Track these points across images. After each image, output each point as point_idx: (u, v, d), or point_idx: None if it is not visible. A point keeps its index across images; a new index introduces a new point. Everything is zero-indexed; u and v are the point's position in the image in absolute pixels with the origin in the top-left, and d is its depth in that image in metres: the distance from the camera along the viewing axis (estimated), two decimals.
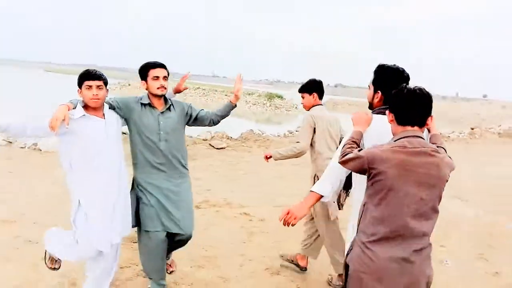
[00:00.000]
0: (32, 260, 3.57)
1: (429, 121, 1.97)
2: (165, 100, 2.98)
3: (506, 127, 16.57)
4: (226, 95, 45.67)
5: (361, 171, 1.96)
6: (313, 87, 3.57)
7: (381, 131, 2.15)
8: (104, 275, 2.88)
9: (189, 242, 3.15)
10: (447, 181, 1.91)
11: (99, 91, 2.60)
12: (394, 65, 2.29)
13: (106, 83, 2.67)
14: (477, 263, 4.32)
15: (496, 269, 4.15)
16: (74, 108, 2.57)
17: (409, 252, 1.84)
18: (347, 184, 2.44)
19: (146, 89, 2.93)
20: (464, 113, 43.57)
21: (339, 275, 3.49)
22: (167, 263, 3.39)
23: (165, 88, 2.91)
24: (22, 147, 8.22)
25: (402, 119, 1.95)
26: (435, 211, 1.90)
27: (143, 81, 2.92)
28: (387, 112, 2.04)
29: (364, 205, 1.97)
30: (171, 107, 3.00)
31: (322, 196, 2.21)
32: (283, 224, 2.18)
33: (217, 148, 9.45)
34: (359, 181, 2.23)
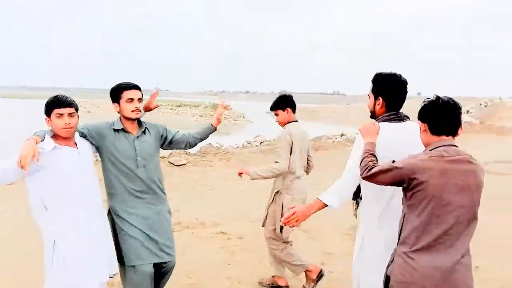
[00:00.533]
0: None
1: (460, 130, 1.98)
2: (139, 123, 2.80)
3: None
4: (171, 109, 44.96)
5: (397, 182, 1.92)
6: (286, 103, 3.50)
7: (388, 139, 2.17)
8: None
9: None
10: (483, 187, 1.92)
11: (71, 119, 2.39)
12: (391, 72, 2.32)
13: (77, 110, 2.46)
14: None
15: (475, 263, 4.26)
16: (42, 140, 2.33)
17: (452, 261, 1.84)
18: (356, 194, 2.39)
19: (119, 112, 2.74)
20: (410, 110, 45.88)
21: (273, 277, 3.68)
22: None
23: (140, 111, 2.74)
24: None
25: (437, 129, 1.95)
26: (475, 218, 1.89)
27: (116, 104, 2.73)
28: (419, 122, 2.03)
29: (404, 216, 1.96)
30: (146, 130, 2.82)
31: (326, 205, 2.25)
32: (284, 223, 2.26)
33: (177, 165, 9.11)
34: (371, 194, 2.26)
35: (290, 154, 3.41)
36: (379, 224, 2.24)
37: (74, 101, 2.44)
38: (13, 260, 4.13)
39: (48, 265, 2.40)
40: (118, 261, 2.71)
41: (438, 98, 1.97)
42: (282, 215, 3.38)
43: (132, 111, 2.68)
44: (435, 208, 1.84)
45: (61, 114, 2.36)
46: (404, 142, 2.19)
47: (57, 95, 2.43)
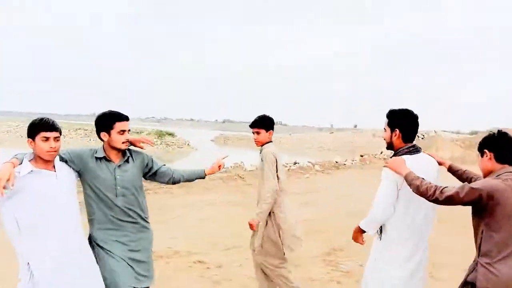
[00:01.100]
0: None
1: None
2: (123, 152, 2.76)
3: (388, 153, 18.64)
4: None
5: (474, 202, 2.24)
6: (271, 124, 3.63)
7: (412, 168, 2.51)
8: None
9: None
10: None
11: (56, 143, 2.41)
12: (403, 108, 2.77)
13: (61, 134, 2.47)
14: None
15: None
16: (21, 163, 2.33)
17: None
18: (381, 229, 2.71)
19: (106, 142, 2.70)
20: (342, 142, 48.00)
21: None
22: None
23: (129, 143, 2.76)
24: None
25: (503, 158, 2.38)
26: None
27: (104, 133, 2.69)
28: (485, 151, 2.41)
29: (482, 232, 2.29)
30: (130, 158, 2.78)
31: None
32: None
33: None
34: (395, 219, 2.61)
35: (276, 172, 3.47)
36: (404, 241, 2.61)
37: (58, 125, 2.44)
38: None
39: (23, 285, 2.35)
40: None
41: (505, 132, 2.29)
42: (280, 236, 3.47)
43: (123, 142, 2.68)
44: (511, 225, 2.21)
45: (47, 138, 2.36)
46: (421, 171, 2.50)
47: (43, 118, 2.41)
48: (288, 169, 14.40)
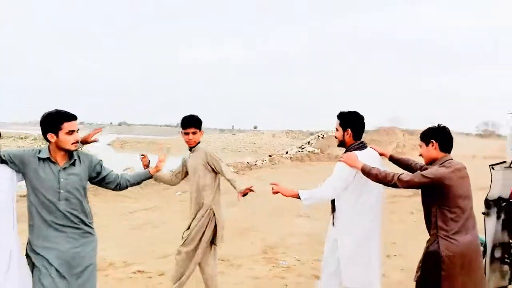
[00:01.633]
0: None
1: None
2: (70, 153, 2.63)
3: (293, 152, 19.73)
4: None
5: (425, 186, 2.73)
6: (200, 123, 3.64)
7: (364, 161, 2.96)
8: None
9: None
10: None
11: None
12: (351, 110, 3.19)
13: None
14: None
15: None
16: None
17: (473, 236, 2.75)
18: (333, 208, 3.20)
19: (53, 143, 2.57)
20: (245, 143, 49.26)
21: None
22: None
23: (78, 143, 2.65)
24: None
25: (445, 147, 2.83)
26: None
27: (52, 134, 2.54)
28: (431, 141, 2.83)
29: (436, 210, 2.74)
30: (76, 161, 2.66)
31: (299, 197, 3.03)
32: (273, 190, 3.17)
33: None
34: (348, 201, 3.08)
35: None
36: (358, 219, 3.05)
37: None
38: None
39: None
40: None
41: (444, 126, 2.76)
42: (215, 234, 3.58)
43: (73, 143, 2.57)
44: (462, 204, 2.69)
45: None
46: (370, 162, 2.97)
47: None
48: None
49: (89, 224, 2.71)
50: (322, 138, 21.52)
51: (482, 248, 3.61)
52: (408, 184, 2.74)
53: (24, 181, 2.59)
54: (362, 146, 3.16)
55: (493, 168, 3.61)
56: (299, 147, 20.95)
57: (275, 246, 5.94)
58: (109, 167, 2.92)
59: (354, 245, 3.07)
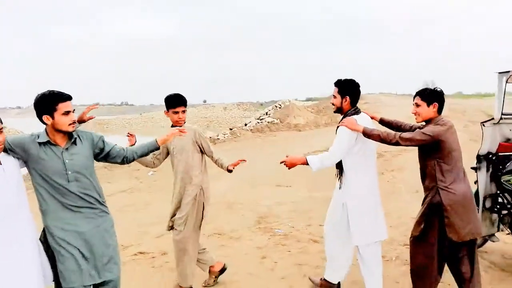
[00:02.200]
0: None
1: None
2: (69, 133, 2.56)
3: (253, 124, 19.80)
4: None
5: (425, 143, 2.98)
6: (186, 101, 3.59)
7: (363, 125, 3.20)
8: None
9: None
10: None
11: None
12: (348, 78, 3.35)
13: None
14: None
15: None
16: None
17: (466, 184, 3.04)
18: (340, 172, 3.35)
19: (50, 125, 2.49)
20: (197, 118, 48.61)
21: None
22: None
23: (75, 123, 2.57)
24: None
25: (441, 109, 3.12)
26: None
27: (47, 116, 2.46)
28: (433, 103, 3.06)
29: (435, 164, 3.01)
30: (77, 140, 2.60)
31: (307, 164, 3.18)
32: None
33: None
34: (353, 161, 3.26)
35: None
36: (363, 179, 3.26)
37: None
38: None
39: None
40: (55, 282, 2.56)
41: (441, 89, 3.10)
42: (203, 214, 3.59)
43: (69, 124, 2.49)
44: (455, 156, 3.00)
45: None
46: (365, 125, 3.17)
47: None
48: None
49: (103, 203, 2.69)
50: (280, 108, 21.72)
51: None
52: (410, 142, 3.00)
53: (26, 168, 2.52)
54: (358, 111, 3.33)
55: (483, 125, 3.88)
56: (258, 119, 21.04)
57: (266, 216, 6.07)
58: None
59: (362, 204, 3.25)
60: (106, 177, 9.30)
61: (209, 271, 3.80)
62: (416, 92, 3.23)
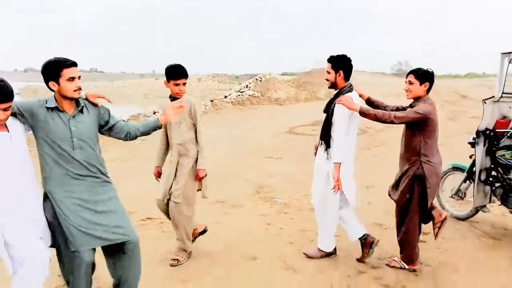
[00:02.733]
0: None
1: None
2: (77, 101, 2.62)
3: (233, 97, 19.70)
4: None
5: (417, 121, 3.26)
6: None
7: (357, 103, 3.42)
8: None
9: None
10: None
11: (6, 112, 2.33)
12: (341, 53, 3.51)
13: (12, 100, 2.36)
14: None
15: None
16: None
17: (439, 157, 3.46)
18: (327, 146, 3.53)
19: (56, 91, 2.54)
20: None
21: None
22: None
23: (81, 90, 2.59)
24: None
25: (430, 89, 3.40)
26: None
27: (53, 82, 2.50)
28: (425, 83, 3.35)
29: (420, 141, 3.32)
30: (84, 108, 2.65)
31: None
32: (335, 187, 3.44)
33: None
34: (341, 133, 3.44)
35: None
36: (346, 152, 3.48)
37: (13, 94, 2.32)
38: None
39: None
40: (56, 248, 2.64)
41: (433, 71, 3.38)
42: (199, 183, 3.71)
43: (75, 90, 2.53)
44: (436, 132, 3.35)
45: None
46: (357, 103, 3.38)
47: None
48: (146, 119, 13.93)
49: (106, 174, 2.73)
50: (261, 81, 21.68)
51: (465, 174, 4.25)
52: (403, 120, 3.30)
53: (31, 132, 2.56)
54: (351, 88, 3.50)
55: (485, 102, 4.12)
56: (238, 91, 20.94)
57: (262, 186, 6.23)
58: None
59: (345, 174, 3.49)
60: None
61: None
62: (410, 71, 3.45)
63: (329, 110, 3.51)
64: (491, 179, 4.24)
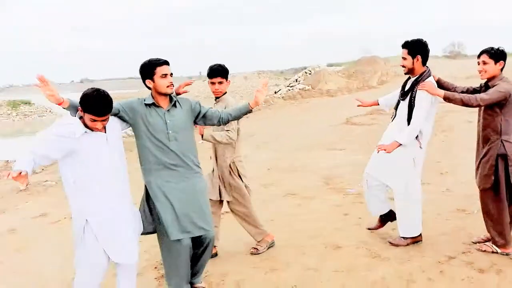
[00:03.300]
0: None
1: None
2: (170, 97, 2.88)
3: (284, 92, 19.82)
4: None
5: (499, 100, 3.22)
6: (227, 72, 3.49)
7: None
8: None
9: None
10: None
11: (103, 122, 2.53)
12: (416, 38, 3.47)
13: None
14: None
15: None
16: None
17: None
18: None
19: (152, 88, 2.82)
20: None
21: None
22: (200, 285, 3.20)
23: (173, 86, 2.86)
24: None
25: (503, 68, 3.35)
26: None
27: (149, 80, 2.80)
28: (500, 61, 3.30)
29: (501, 120, 3.28)
30: (177, 103, 2.91)
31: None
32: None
33: None
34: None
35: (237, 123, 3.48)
36: (426, 134, 3.54)
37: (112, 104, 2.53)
38: None
39: (78, 243, 2.57)
40: (157, 233, 2.93)
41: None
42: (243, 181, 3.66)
43: (167, 86, 2.77)
44: None
45: (96, 120, 2.45)
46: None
47: (94, 101, 2.41)
48: None
49: (197, 164, 2.96)
50: (310, 74, 21.58)
51: None
52: (489, 102, 3.24)
53: (132, 130, 2.85)
54: (430, 73, 3.46)
55: None
56: (288, 86, 20.99)
57: (330, 178, 6.25)
58: None
59: (422, 160, 3.64)
60: None
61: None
62: (483, 51, 3.37)
63: (411, 97, 3.48)
64: None
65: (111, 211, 2.59)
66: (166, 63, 2.80)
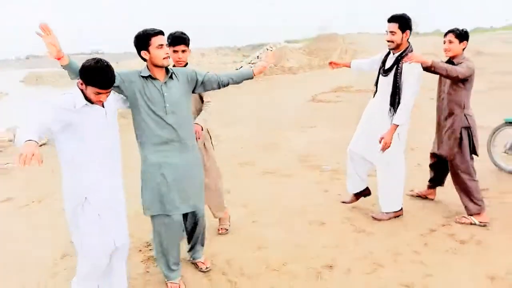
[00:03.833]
0: None
1: None
2: (166, 69, 2.78)
3: None
4: None
5: (470, 75, 3.46)
6: (189, 40, 3.34)
7: None
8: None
9: None
10: None
11: (105, 97, 2.43)
12: (401, 13, 3.53)
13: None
14: None
15: None
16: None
17: None
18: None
19: (148, 60, 2.70)
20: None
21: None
22: (200, 261, 3.24)
23: (169, 57, 2.75)
24: None
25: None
26: None
27: (144, 51, 2.67)
28: (463, 41, 3.53)
29: (465, 94, 3.52)
30: (173, 75, 2.81)
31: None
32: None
33: None
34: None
35: None
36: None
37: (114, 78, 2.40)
38: None
39: (75, 227, 2.46)
40: (148, 209, 2.84)
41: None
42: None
43: (164, 58, 2.67)
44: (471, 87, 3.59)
45: (100, 93, 2.36)
46: None
47: (98, 73, 2.29)
48: None
49: (194, 139, 2.91)
50: (271, 50, 21.45)
51: None
52: (464, 76, 3.43)
53: (129, 103, 2.73)
54: (412, 48, 3.56)
55: None
56: (250, 63, 20.79)
57: (306, 155, 6.28)
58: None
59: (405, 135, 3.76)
60: None
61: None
62: (449, 31, 3.56)
63: (396, 73, 3.51)
64: None
65: (108, 190, 2.52)
66: (161, 33, 2.69)
